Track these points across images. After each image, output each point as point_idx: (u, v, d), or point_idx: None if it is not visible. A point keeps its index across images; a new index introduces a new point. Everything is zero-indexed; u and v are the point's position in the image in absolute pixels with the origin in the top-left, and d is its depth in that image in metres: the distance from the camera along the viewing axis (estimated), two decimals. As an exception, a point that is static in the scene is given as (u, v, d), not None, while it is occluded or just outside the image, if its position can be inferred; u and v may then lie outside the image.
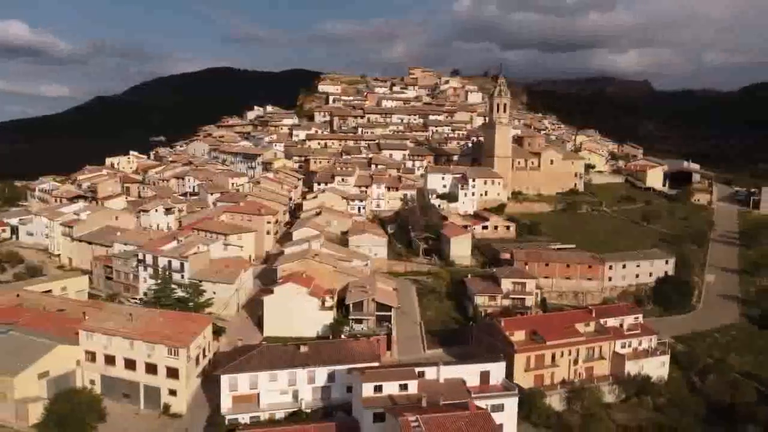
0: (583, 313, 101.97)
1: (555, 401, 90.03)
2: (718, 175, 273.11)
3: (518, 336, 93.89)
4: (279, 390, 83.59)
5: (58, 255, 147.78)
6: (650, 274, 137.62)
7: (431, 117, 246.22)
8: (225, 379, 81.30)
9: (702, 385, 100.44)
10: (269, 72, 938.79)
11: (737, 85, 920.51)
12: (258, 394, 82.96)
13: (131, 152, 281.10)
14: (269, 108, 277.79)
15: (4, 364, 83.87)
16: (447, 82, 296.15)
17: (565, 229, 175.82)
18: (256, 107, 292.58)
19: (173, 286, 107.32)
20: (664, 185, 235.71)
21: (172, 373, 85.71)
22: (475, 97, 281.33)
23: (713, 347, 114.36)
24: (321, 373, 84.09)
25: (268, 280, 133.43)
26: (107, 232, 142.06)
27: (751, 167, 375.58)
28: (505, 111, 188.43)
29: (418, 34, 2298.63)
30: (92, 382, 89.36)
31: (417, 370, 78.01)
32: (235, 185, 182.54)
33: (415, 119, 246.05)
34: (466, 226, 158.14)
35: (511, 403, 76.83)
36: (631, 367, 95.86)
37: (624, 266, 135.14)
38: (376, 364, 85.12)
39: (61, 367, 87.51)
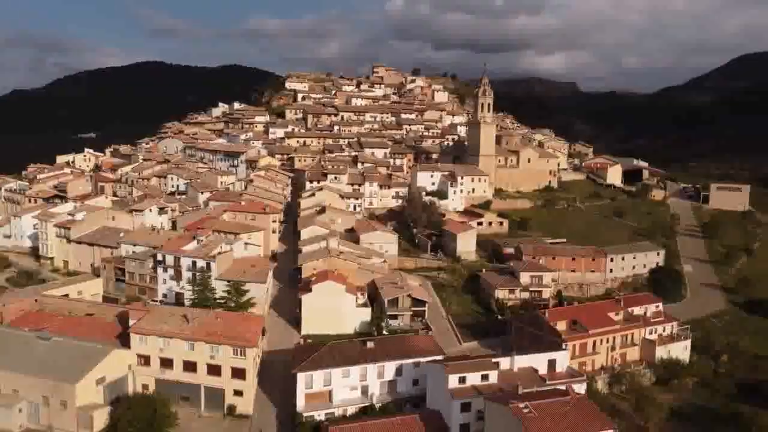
0: (612, 303, 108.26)
1: (599, 385, 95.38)
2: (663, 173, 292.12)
3: (560, 326, 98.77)
4: (349, 386, 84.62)
5: (51, 258, 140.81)
6: (644, 266, 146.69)
7: (403, 115, 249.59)
8: (301, 377, 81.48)
9: (716, 366, 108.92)
10: (203, 67, 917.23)
11: (654, 87, 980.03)
12: (330, 390, 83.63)
13: (87, 150, 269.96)
14: (236, 105, 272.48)
15: (59, 371, 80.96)
16: (413, 81, 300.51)
17: (548, 225, 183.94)
18: (221, 104, 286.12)
19: (213, 287, 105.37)
20: (622, 182, 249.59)
21: (238, 373, 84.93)
22: (441, 96, 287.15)
23: (714, 332, 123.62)
24: (390, 368, 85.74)
25: (282, 278, 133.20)
26: (108, 233, 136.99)
27: (675, 164, 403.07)
28: (489, 110, 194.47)
29: (351, 33, 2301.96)
30: (145, 386, 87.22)
31: (493, 360, 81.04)
32: (223, 184, 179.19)
33: (387, 117, 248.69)
34: (462, 223, 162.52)
35: (581, 388, 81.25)
36: (660, 352, 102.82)
37: (623, 258, 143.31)
38: (440, 357, 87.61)
39: (116, 372, 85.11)
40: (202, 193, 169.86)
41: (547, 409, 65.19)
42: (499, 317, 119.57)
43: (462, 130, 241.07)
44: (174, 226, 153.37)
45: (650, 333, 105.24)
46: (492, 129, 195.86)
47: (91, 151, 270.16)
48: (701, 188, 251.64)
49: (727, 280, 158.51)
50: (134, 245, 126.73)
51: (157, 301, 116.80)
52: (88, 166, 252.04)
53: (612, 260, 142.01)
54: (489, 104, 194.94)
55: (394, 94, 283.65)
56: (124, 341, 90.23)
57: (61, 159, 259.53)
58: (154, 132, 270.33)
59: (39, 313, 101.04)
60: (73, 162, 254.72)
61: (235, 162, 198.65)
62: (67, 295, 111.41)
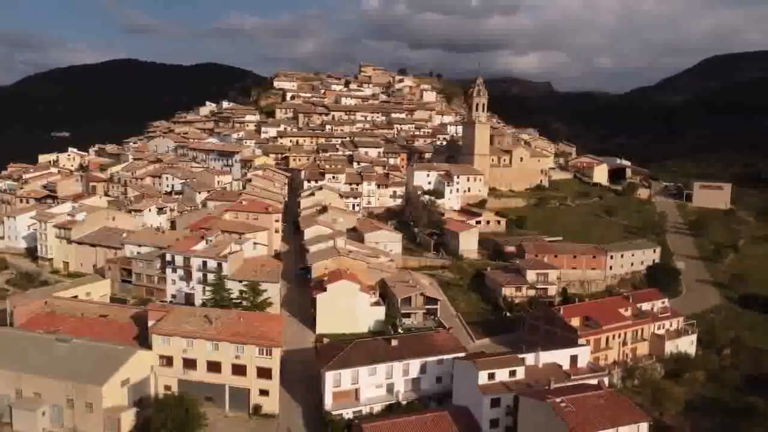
0: (621, 300, 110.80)
1: (613, 380, 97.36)
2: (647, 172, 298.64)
3: (574, 322, 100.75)
4: (375, 384, 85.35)
5: (50, 259, 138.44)
6: (642, 263, 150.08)
7: (393, 115, 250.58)
8: (329, 376, 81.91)
9: (718, 359, 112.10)
10: (178, 65, 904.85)
11: (627, 87, 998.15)
12: (357, 389, 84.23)
13: (70, 149, 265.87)
14: (225, 104, 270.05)
15: (84, 374, 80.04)
16: (402, 80, 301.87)
17: (543, 223, 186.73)
18: (208, 102, 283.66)
19: (229, 287, 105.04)
20: (608, 181, 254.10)
21: (264, 373, 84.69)
22: (429, 96, 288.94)
23: (716, 326, 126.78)
24: (414, 365, 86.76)
25: (288, 277, 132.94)
26: (110, 233, 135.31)
27: (652, 163, 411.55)
28: (483, 110, 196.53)
29: (326, 31, 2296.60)
30: (167, 387, 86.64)
31: (519, 356, 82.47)
32: (220, 183, 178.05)
33: (378, 117, 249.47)
34: (461, 222, 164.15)
35: (605, 382, 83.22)
36: (669, 347, 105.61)
37: (622, 256, 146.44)
38: (462, 354, 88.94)
39: (139, 373, 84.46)
40: (199, 192, 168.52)
41: (584, 403, 66.76)
42: (508, 314, 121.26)
43: (452, 130, 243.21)
44: (173, 226, 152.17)
45: (658, 328, 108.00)
46: (486, 129, 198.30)
47: (75, 150, 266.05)
48: (683, 186, 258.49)
49: (719, 276, 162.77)
50: (139, 246, 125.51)
51: (166, 301, 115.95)
52: (72, 165, 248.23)
53: (612, 257, 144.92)
54: (483, 104, 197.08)
55: (382, 93, 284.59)
56: (142, 342, 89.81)
57: (43, 158, 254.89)
58: (139, 131, 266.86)
59: (50, 315, 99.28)
60: (56, 161, 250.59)
61: (230, 161, 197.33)
62: (76, 297, 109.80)
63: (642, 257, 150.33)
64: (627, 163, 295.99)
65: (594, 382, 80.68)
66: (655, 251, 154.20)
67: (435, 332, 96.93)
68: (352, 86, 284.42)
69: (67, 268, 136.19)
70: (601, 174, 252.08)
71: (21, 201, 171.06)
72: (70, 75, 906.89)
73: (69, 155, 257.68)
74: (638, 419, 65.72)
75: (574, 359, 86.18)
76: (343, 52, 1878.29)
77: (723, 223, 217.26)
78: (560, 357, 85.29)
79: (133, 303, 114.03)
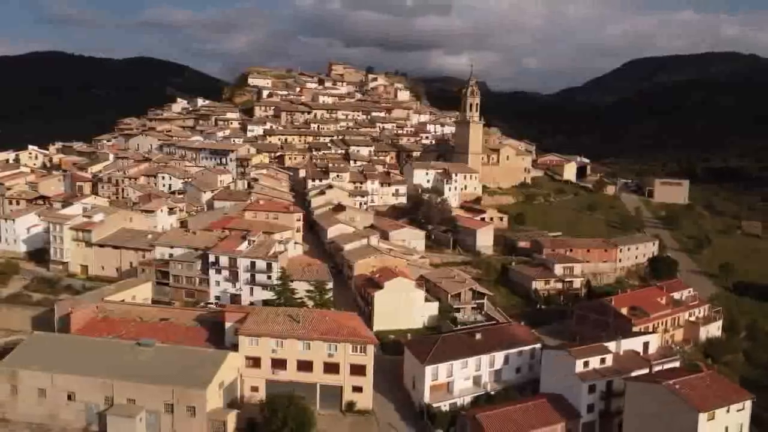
0: (656, 290, 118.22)
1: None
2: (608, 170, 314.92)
3: (623, 312, 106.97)
4: (465, 376, 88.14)
5: (65, 263, 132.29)
6: (644, 255, 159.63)
7: (373, 113, 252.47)
8: (429, 370, 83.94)
9: (738, 341, 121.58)
10: (108, 59, 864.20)
11: (555, 88, 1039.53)
12: (450, 381, 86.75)
13: (30, 147, 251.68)
14: (200, 101, 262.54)
15: (181, 378, 78.73)
16: (375, 79, 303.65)
17: (535, 219, 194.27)
18: (179, 99, 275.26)
19: (294, 287, 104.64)
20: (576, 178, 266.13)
21: (358, 370, 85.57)
22: (402, 95, 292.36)
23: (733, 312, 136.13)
24: (499, 357, 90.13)
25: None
26: (130, 235, 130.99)
27: (596, 162, 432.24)
28: (476, 110, 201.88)
29: (259, 27, 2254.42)
30: (254, 388, 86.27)
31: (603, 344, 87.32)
32: (222, 183, 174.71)
33: (359, 115, 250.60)
34: (468, 218, 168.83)
35: (675, 365, 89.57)
36: (703, 332, 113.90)
37: (629, 249, 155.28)
38: (538, 345, 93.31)
39: (230, 376, 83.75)
40: (204, 192, 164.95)
41: (693, 384, 72.06)
42: (543, 307, 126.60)
43: (432, 128, 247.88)
44: (182, 226, 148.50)
45: (690, 315, 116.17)
46: (480, 128, 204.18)
47: (36, 148, 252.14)
48: (641, 183, 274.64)
49: (704, 266, 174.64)
50: (171, 247, 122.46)
51: (211, 302, 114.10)
52: (34, 164, 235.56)
53: (621, 251, 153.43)
54: (476, 104, 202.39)
55: (356, 92, 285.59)
56: (216, 344, 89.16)
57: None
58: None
59: (106, 321, 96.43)
60: (17, 160, 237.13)
61: (224, 160, 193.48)
62: (122, 301, 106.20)
63: (644, 250, 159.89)
64: (587, 161, 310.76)
65: (674, 364, 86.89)
66: (654, 244, 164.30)
67: (510, 325, 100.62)
68: (327, 84, 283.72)
69: (86, 271, 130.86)
70: (570, 172, 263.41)
71: (11, 203, 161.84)
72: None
73: (30, 153, 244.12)
74: (744, 398, 71.67)
75: (646, 346, 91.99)
76: (277, 48, 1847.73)
77: (688, 217, 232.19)
78: (635, 344, 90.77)
79: (178, 306, 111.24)
